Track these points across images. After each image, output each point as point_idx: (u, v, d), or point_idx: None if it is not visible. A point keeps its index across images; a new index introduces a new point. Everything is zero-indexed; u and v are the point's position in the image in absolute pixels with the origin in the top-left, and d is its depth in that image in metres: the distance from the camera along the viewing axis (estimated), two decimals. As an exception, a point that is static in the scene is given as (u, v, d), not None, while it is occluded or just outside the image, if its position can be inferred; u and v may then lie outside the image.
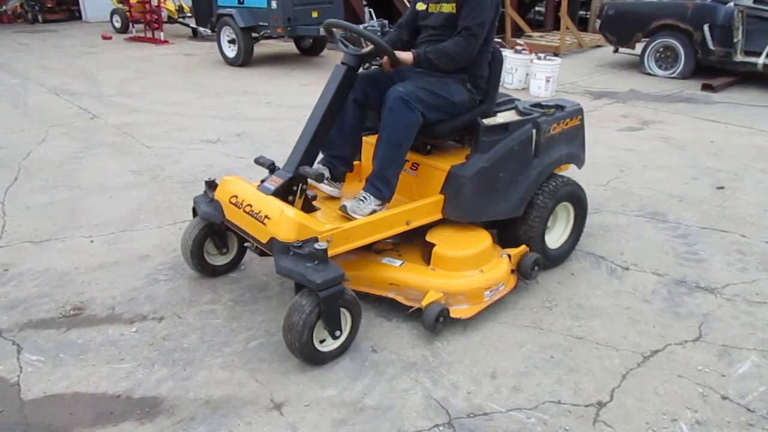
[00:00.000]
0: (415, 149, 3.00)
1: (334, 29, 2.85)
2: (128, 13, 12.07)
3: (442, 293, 2.67)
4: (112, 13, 12.87)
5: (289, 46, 10.18)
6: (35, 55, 9.97)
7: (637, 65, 8.53)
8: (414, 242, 3.00)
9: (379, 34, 7.64)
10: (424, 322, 2.62)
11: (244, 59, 8.68)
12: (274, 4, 8.23)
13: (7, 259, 3.33)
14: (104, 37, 11.93)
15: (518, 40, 8.07)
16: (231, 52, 8.83)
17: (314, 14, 8.47)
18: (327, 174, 3.06)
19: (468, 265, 2.77)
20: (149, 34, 11.47)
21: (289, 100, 6.94)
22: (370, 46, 2.74)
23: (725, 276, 3.20)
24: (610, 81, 8.06)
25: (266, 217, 2.54)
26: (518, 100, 3.33)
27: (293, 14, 8.27)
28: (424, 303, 2.64)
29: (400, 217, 2.81)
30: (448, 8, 2.88)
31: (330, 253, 2.51)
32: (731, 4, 7.43)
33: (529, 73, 7.14)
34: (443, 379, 2.44)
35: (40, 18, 14.41)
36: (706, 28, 7.50)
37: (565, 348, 2.63)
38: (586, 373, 2.48)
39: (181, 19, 12.25)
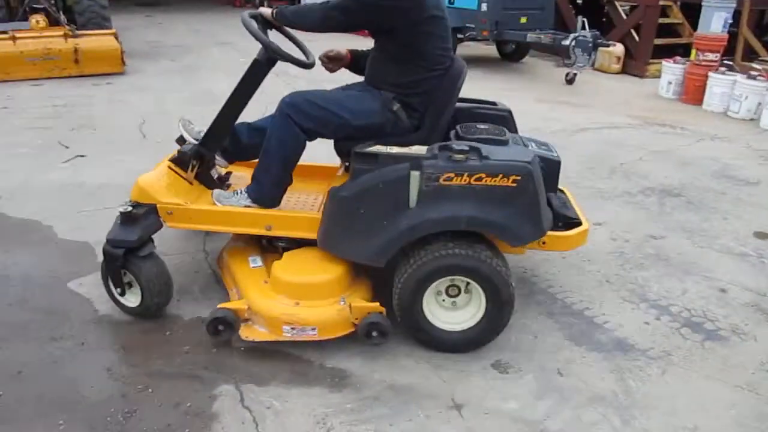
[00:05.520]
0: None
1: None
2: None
3: (246, 306, 2.52)
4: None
5: (490, 50, 10.16)
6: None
7: None
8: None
9: (590, 45, 7.33)
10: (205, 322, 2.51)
11: (447, 59, 8.83)
12: (484, 7, 8.25)
13: None
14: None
15: (753, 64, 7.21)
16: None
17: (522, 20, 8.33)
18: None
19: (288, 291, 2.52)
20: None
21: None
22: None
23: None
24: None
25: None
26: (530, 139, 2.84)
27: (501, 18, 8.22)
28: (221, 305, 2.53)
29: (261, 219, 2.70)
30: None
31: (171, 225, 2.72)
32: None
33: (762, 103, 6.35)
34: (634, 422, 2.27)
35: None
36: None
37: (788, 421, 2.31)
38: (810, 456, 2.15)
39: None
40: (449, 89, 2.68)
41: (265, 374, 2.43)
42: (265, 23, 2.67)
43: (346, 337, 2.59)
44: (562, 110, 6.78)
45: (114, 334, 2.66)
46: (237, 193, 2.79)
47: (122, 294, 2.71)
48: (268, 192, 2.73)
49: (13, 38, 7.34)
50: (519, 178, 2.36)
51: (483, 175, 2.35)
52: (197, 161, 2.84)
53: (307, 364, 2.51)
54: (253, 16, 2.62)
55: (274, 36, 2.72)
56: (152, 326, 2.69)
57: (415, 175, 2.37)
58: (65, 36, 7.53)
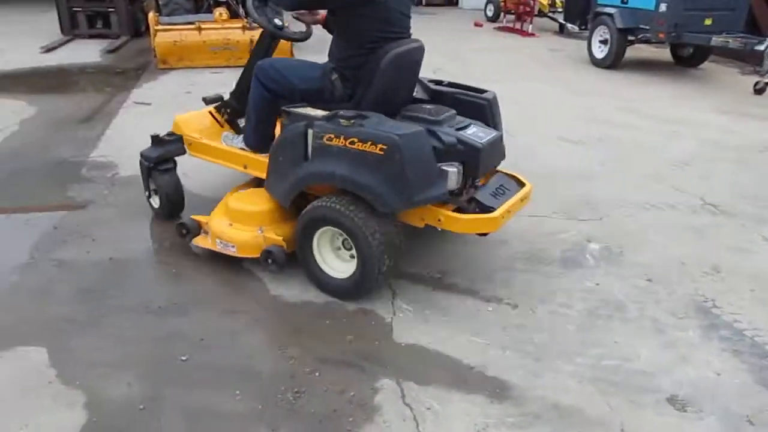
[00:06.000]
0: None
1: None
2: (502, 4, 12.65)
3: (207, 221, 3.13)
4: (487, 2, 13.65)
5: (660, 53, 9.41)
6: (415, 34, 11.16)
7: None
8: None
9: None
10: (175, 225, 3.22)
11: (614, 61, 8.30)
12: (663, 7, 7.63)
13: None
14: (476, 24, 12.76)
15: None
16: (600, 52, 8.54)
17: (707, 21, 7.60)
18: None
19: (229, 214, 3.08)
20: (518, 26, 11.85)
21: (655, 110, 6.41)
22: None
23: None
24: None
25: None
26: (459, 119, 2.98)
27: (682, 19, 7.56)
28: (193, 216, 3.22)
29: (241, 159, 3.29)
30: None
31: (191, 153, 3.51)
32: None
33: None
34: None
35: (423, 1, 16.19)
36: None
37: None
38: None
39: (550, 14, 12.35)
40: (376, 66, 2.86)
41: (425, 374, 2.42)
42: (263, 1, 3.22)
43: (504, 346, 2.61)
44: (747, 123, 6.09)
45: (284, 315, 2.80)
46: (238, 137, 3.39)
47: (149, 197, 3.62)
48: (251, 139, 3.27)
49: (199, 29, 8.04)
50: (386, 147, 2.58)
51: (355, 140, 2.65)
52: (228, 109, 3.55)
53: (467, 369, 2.46)
54: None
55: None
56: (320, 311, 2.80)
57: (310, 132, 2.78)
58: (243, 28, 8.10)
